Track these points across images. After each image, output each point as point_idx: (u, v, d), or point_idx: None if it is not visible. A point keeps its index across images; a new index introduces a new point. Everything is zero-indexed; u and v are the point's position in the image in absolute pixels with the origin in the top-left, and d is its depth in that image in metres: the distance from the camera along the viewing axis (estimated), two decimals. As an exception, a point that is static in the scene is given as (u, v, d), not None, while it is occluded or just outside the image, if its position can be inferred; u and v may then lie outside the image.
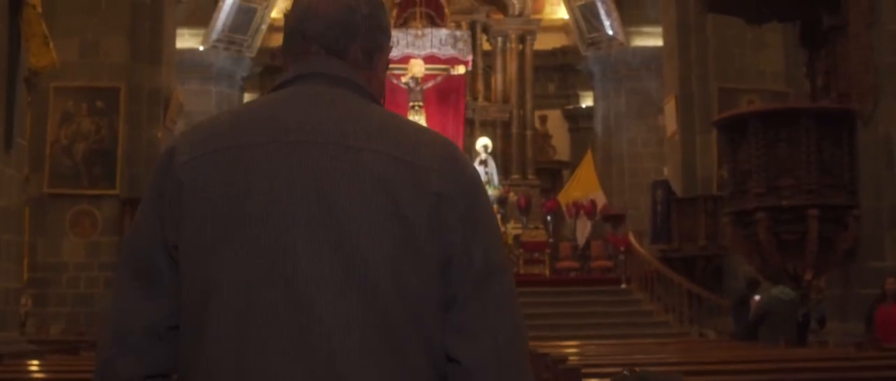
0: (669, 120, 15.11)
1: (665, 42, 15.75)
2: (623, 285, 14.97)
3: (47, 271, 13.84)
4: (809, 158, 8.53)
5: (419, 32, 17.83)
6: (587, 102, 21.76)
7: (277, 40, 21.81)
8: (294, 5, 1.57)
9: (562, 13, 21.46)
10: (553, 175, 21.40)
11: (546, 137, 21.56)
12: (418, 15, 18.72)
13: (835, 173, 8.58)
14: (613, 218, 16.77)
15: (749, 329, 9.30)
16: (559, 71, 22.26)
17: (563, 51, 21.94)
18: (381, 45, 1.57)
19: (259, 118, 1.46)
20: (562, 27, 21.79)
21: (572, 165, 21.07)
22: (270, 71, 21.87)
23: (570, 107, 22.15)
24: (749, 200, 8.84)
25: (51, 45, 8.75)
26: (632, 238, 14.99)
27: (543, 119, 21.31)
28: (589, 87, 21.35)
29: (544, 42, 20.95)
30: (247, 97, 21.20)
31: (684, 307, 13.76)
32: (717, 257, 14.14)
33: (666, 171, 15.82)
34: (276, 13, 20.95)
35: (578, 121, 22.08)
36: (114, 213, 13.95)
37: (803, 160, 8.54)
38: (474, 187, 1.46)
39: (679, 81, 14.70)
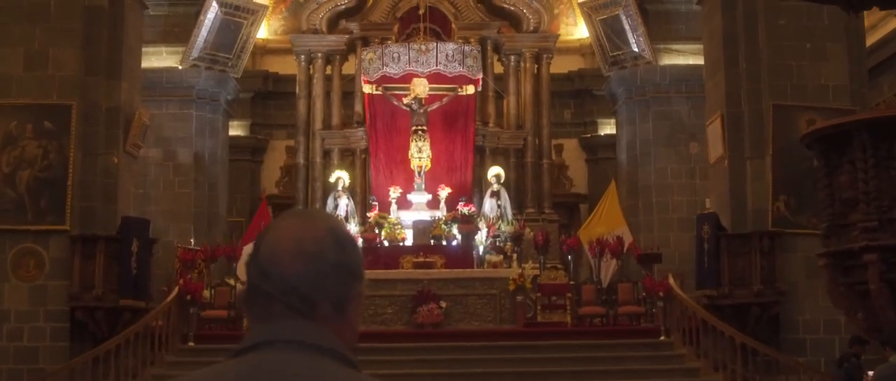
0: (714, 143, 13.13)
1: (707, 55, 13.85)
2: (662, 338, 12.87)
3: (-16, 321, 12.17)
4: (936, 182, 6.55)
5: (423, 47, 15.98)
6: (606, 129, 19.96)
7: (267, 64, 20.06)
8: (255, 254, 1.45)
9: (578, 33, 19.61)
10: (570, 210, 19.56)
11: (562, 168, 19.80)
12: (422, 30, 16.96)
13: (968, 202, 6.60)
14: (648, 257, 14.67)
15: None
16: (575, 97, 20.53)
17: (579, 75, 20.25)
18: (352, 293, 1.47)
19: None
20: (578, 49, 20.07)
21: (590, 198, 19.31)
22: (261, 97, 20.10)
23: (588, 135, 20.28)
24: (854, 237, 6.83)
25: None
26: (672, 282, 12.89)
27: (559, 149, 19.55)
28: (609, 113, 19.53)
29: (559, 65, 19.26)
30: (233, 125, 19.31)
31: (737, 364, 11.69)
32: (775, 305, 12.20)
33: (708, 202, 13.76)
34: (264, 32, 19.11)
35: (597, 151, 20.29)
36: (63, 253, 12.30)
37: (928, 184, 6.57)
38: None
39: (725, 98, 12.82)
